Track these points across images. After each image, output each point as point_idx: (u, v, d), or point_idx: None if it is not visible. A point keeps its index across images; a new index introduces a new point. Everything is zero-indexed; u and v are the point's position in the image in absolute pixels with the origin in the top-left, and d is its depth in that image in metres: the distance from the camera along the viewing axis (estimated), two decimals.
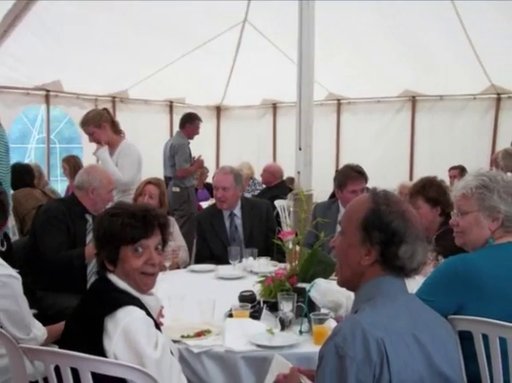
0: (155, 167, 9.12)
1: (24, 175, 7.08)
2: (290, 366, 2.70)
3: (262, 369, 2.90)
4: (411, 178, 10.49)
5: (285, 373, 2.56)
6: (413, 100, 11.39)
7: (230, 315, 3.42)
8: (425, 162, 10.80)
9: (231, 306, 3.48)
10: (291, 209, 7.53)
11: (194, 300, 3.47)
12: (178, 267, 5.18)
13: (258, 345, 3.02)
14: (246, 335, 3.11)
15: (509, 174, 6.46)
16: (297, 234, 3.89)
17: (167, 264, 4.71)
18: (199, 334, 3.16)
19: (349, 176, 5.42)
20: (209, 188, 10.16)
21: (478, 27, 8.97)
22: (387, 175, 9.71)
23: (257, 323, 3.31)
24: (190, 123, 9.02)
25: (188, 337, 3.13)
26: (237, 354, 2.98)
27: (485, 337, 2.66)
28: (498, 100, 10.63)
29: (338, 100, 12.03)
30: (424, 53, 9.82)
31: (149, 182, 5.55)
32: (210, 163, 11.46)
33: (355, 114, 11.96)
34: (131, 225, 2.64)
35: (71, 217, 4.83)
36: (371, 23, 9.49)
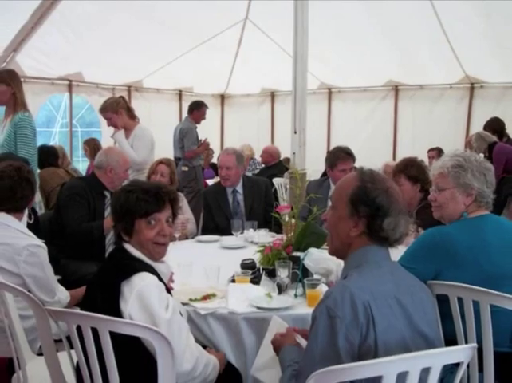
0: (165, 149, 9.14)
1: (49, 156, 7.06)
2: (286, 326, 2.71)
3: (262, 329, 2.90)
4: (394, 158, 10.48)
5: (282, 332, 2.57)
6: (396, 89, 11.36)
7: (233, 281, 3.42)
8: (407, 144, 10.80)
9: (234, 272, 3.49)
10: (287, 186, 7.53)
11: (201, 267, 3.47)
12: (186, 238, 5.18)
13: (258, 307, 3.02)
14: (247, 298, 3.10)
15: (481, 155, 6.46)
16: (292, 209, 3.88)
17: (177, 235, 4.70)
18: (205, 298, 3.16)
19: (339, 157, 5.40)
20: (214, 167, 10.18)
21: (453, 25, 9.00)
22: (372, 155, 9.64)
23: (257, 288, 3.30)
24: (197, 109, 9.02)
25: (195, 300, 3.13)
26: (239, 315, 2.98)
27: (460, 300, 2.65)
28: (472, 89, 10.61)
29: (329, 89, 12.00)
30: (406, 47, 9.78)
31: (161, 162, 5.52)
32: (215, 145, 11.48)
33: (344, 101, 11.94)
34: (145, 200, 2.63)
35: (91, 193, 4.83)
36: (360, 21, 9.46)
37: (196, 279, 3.44)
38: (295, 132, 5.97)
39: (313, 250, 3.32)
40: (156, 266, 2.68)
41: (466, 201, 2.99)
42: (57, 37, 8.60)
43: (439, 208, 3.10)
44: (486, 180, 2.98)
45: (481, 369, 2.60)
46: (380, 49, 10.00)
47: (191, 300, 3.12)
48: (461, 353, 1.99)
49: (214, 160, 10.61)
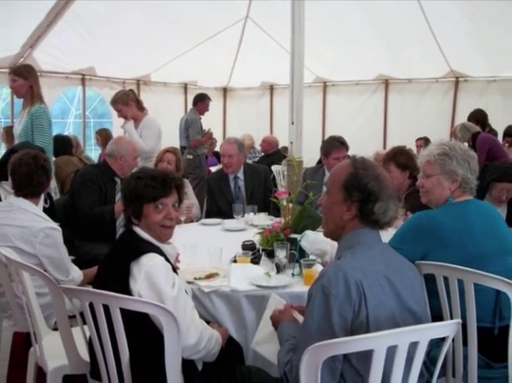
0: (172, 138, 9.14)
1: (64, 145, 7.01)
2: (284, 303, 2.70)
3: (261, 306, 2.90)
4: (384, 147, 10.48)
5: (281, 309, 2.57)
6: (386, 83, 11.34)
7: (235, 261, 3.41)
8: (396, 134, 10.74)
9: (235, 253, 3.48)
10: (285, 173, 7.50)
11: (205, 248, 3.46)
12: (191, 221, 5.16)
13: (258, 286, 3.01)
14: (247, 277, 3.10)
15: (465, 144, 6.44)
16: (290, 194, 3.86)
17: (183, 218, 4.67)
18: (209, 276, 3.15)
19: (333, 146, 5.40)
20: (217, 156, 10.14)
21: (440, 23, 9.01)
22: (364, 144, 9.65)
23: (257, 267, 3.30)
24: (201, 101, 9.01)
25: (200, 278, 3.13)
26: (240, 293, 2.97)
27: (445, 279, 2.64)
28: (457, 83, 10.62)
29: (324, 82, 11.94)
30: (396, 43, 9.82)
31: (167, 150, 5.50)
32: (217, 135, 11.37)
33: (338, 94, 11.90)
34: (152, 186, 2.62)
35: (103, 179, 4.82)
36: (353, 20, 9.47)
37: (200, 259, 3.43)
38: (292, 123, 5.94)
39: (309, 233, 3.31)
40: (163, 247, 2.66)
41: (452, 187, 2.98)
42: (71, 34, 8.59)
43: (427, 193, 3.08)
44: (469, 167, 2.97)
45: (465, 343, 2.60)
46: (372, 45, 10.01)
47: (195, 279, 3.11)
48: (446, 328, 1.98)
49: (217, 149, 10.59)
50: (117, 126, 9.96)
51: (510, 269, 2.76)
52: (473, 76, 10.35)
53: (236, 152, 5.43)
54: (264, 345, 2.67)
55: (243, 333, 2.99)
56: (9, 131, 7.19)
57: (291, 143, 6.01)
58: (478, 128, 7.78)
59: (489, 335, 2.72)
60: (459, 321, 2.00)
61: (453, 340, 2.51)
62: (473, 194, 3.04)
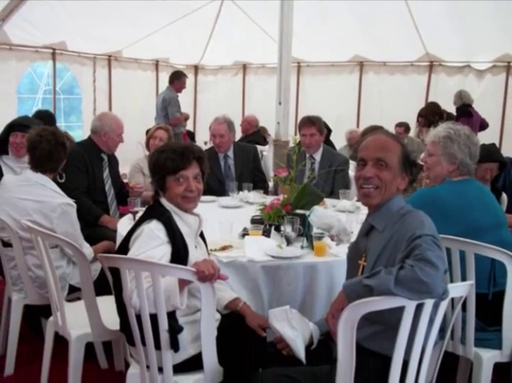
0: (145, 115, 9.52)
1: (48, 121, 7.03)
2: (287, 308, 2.69)
3: (276, 275, 3.21)
4: (357, 126, 10.86)
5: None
6: (361, 65, 11.59)
7: (244, 234, 3.63)
8: (370, 115, 10.98)
9: (244, 227, 3.74)
10: (264, 153, 7.78)
11: (208, 222, 3.46)
12: None
13: (273, 257, 3.26)
14: (261, 249, 3.33)
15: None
16: (290, 172, 4.07)
17: None
18: (224, 248, 3.38)
19: (301, 122, 5.61)
20: (189, 135, 10.35)
21: (420, 7, 9.34)
22: (339, 123, 10.07)
23: (269, 240, 3.52)
24: (177, 79, 9.26)
25: (216, 250, 3.34)
26: (257, 263, 3.21)
27: (448, 250, 2.94)
28: (431, 66, 10.95)
29: (298, 63, 11.92)
30: (373, 24, 10.11)
31: (159, 127, 5.71)
32: (190, 111, 11.76)
33: (313, 75, 12.10)
34: (172, 159, 2.84)
35: (89, 157, 4.98)
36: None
37: (207, 233, 3.45)
38: (280, 103, 6.16)
39: (317, 208, 3.56)
40: (185, 217, 2.92)
41: (450, 168, 3.37)
42: (43, 8, 8.59)
43: (428, 170, 3.50)
44: (470, 153, 3.36)
45: (463, 309, 2.92)
46: (348, 25, 10.26)
47: (211, 250, 3.29)
48: (461, 288, 2.34)
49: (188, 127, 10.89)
50: (86, 102, 10.15)
51: (503, 240, 3.13)
52: (447, 60, 10.72)
53: (227, 132, 5.61)
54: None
55: (259, 301, 3.25)
56: None
57: (278, 123, 6.24)
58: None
59: (484, 300, 3.04)
60: (472, 282, 2.33)
61: (452, 305, 2.77)
62: (471, 175, 3.41)
